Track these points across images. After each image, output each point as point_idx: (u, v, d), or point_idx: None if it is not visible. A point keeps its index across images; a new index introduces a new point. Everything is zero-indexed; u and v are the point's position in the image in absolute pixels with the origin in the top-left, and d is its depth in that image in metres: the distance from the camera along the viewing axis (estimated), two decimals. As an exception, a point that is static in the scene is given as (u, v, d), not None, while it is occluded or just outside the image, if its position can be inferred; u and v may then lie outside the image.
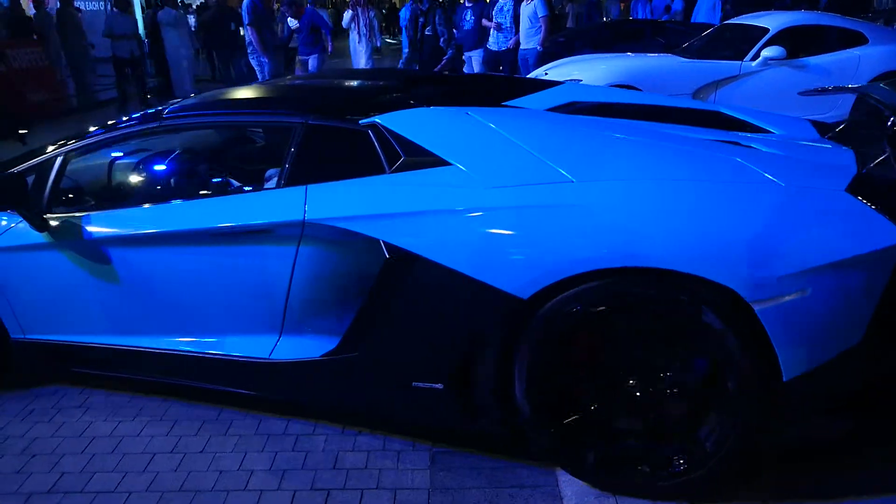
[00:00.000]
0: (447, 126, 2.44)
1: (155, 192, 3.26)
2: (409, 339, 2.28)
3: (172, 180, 3.25)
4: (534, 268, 2.05)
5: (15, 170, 2.90)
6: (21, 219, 2.77)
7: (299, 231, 2.35)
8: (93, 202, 3.01)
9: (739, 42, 7.33)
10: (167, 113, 2.82)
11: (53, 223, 2.74)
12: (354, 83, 3.33)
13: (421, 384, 2.29)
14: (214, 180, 3.11)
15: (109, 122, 3.04)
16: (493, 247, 2.11)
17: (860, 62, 7.06)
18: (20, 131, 6.13)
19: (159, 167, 3.28)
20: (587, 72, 7.06)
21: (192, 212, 2.57)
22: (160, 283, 2.64)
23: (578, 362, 2.14)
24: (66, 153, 2.88)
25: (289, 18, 9.52)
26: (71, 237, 2.71)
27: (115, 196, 3.24)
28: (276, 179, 2.61)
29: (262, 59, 9.26)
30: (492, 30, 8.57)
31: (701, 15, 10.96)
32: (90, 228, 2.68)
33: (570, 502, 2.20)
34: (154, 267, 2.63)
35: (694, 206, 2.03)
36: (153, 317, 2.71)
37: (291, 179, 2.45)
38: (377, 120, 2.42)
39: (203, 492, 2.36)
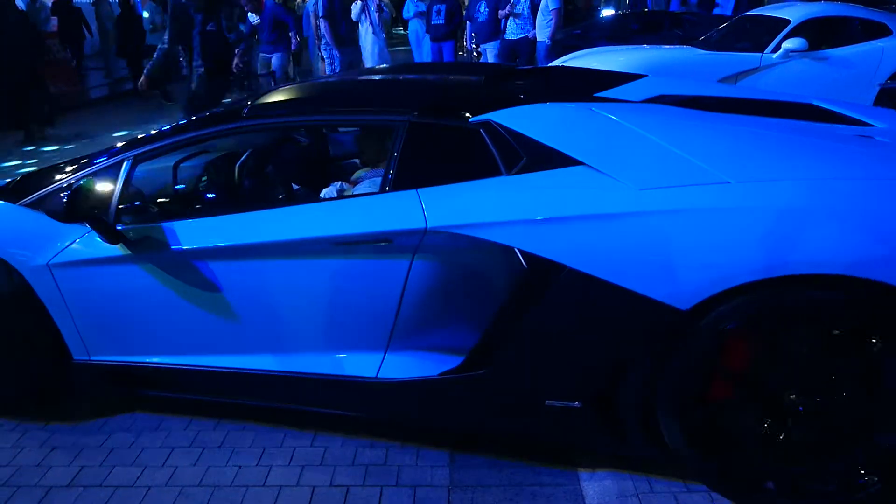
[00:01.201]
0: (573, 123, 2.27)
1: (242, 199, 2.98)
2: (546, 355, 2.11)
3: (256, 185, 2.99)
4: (698, 276, 1.89)
5: (77, 177, 2.65)
6: (86, 231, 2.52)
7: (418, 240, 2.15)
8: (168, 210, 2.80)
9: (760, 33, 7.22)
10: (248, 112, 2.59)
11: (128, 235, 2.47)
12: (439, 78, 3.10)
13: (556, 403, 2.13)
14: (298, 185, 2.89)
15: (180, 123, 2.83)
16: (649, 254, 1.93)
17: (883, 54, 6.93)
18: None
19: (239, 170, 2.99)
20: (605, 65, 6.97)
21: (290, 220, 2.34)
22: (252, 297, 2.41)
23: (744, 376, 1.98)
24: (135, 157, 2.61)
25: (249, 14, 8.96)
26: (148, 249, 2.45)
27: (194, 203, 3.00)
28: (367, 182, 2.46)
29: (333, 53, 8.82)
30: (509, 19, 8.47)
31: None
32: (170, 240, 2.43)
33: (593, 501, 2.17)
34: (246, 280, 2.39)
35: (866, 207, 1.89)
36: (241, 335, 2.47)
37: (399, 183, 2.25)
38: (491, 118, 2.25)
39: (222, 487, 2.35)
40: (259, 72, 9.74)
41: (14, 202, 2.72)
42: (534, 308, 2.06)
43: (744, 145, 2.17)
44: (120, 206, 2.52)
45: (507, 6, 8.34)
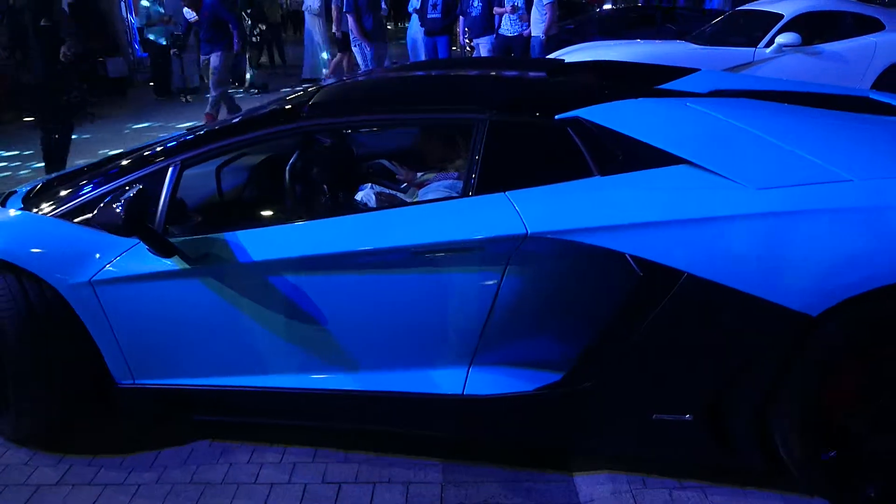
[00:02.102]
0: (672, 119, 2.17)
1: (306, 206, 2.73)
2: (656, 367, 2.00)
3: (307, 190, 2.77)
4: (827, 281, 1.79)
5: (117, 185, 2.41)
6: (133, 244, 2.28)
7: (514, 246, 2.00)
8: (223, 219, 2.55)
9: (753, 28, 7.23)
10: (309, 112, 2.40)
11: (183, 247, 2.23)
12: (502, 73, 2.93)
13: (664, 416, 2.03)
14: (365, 188, 2.71)
15: (228, 124, 2.64)
16: (773, 258, 1.84)
17: (876, 48, 6.95)
18: None
19: (290, 175, 2.70)
20: (599, 59, 6.96)
21: (367, 228, 2.17)
22: (324, 311, 2.22)
23: (871, 385, 1.90)
24: (183, 161, 2.38)
25: (185, 9, 8.61)
26: (207, 262, 2.23)
27: (251, 212, 2.77)
28: (439, 186, 2.36)
29: (362, 47, 8.63)
30: (505, 14, 8.43)
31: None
32: (233, 252, 2.21)
33: (587, 497, 2.16)
34: (318, 293, 2.20)
35: None
36: (310, 351, 2.29)
37: (485, 186, 2.11)
38: (580, 114, 2.14)
39: (212, 485, 2.33)
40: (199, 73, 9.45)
41: (46, 214, 2.47)
42: (647, 316, 1.94)
43: (848, 141, 2.09)
44: (169, 216, 2.33)
45: (508, 4, 8.29)
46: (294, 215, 2.61)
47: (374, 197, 2.68)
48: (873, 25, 7.07)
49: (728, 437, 2.03)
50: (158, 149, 2.56)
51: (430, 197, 2.48)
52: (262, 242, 2.21)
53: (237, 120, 2.66)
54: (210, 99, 8.23)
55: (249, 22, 11.33)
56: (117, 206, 2.07)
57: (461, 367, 2.18)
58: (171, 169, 2.37)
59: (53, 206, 2.48)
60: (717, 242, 1.87)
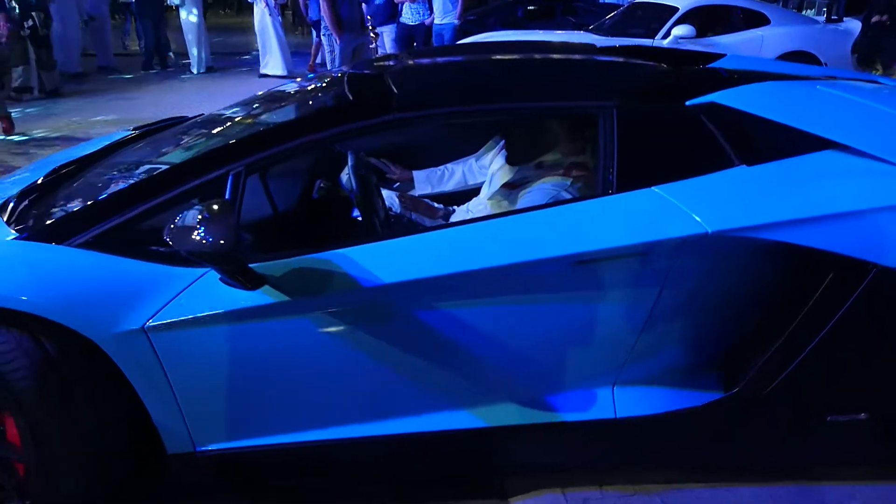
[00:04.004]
0: (811, 101, 2.07)
1: (408, 215, 2.36)
2: (838, 365, 1.86)
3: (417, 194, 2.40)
4: None
5: (160, 202, 1.85)
6: (196, 278, 1.76)
7: (687, 247, 1.78)
8: (305, 237, 2.10)
9: (650, 20, 7.43)
10: (399, 104, 2.00)
11: (271, 275, 1.75)
12: (596, 59, 2.61)
13: (839, 417, 1.91)
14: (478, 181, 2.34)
15: (296, 119, 2.24)
16: None
17: (763, 42, 7.30)
18: None
19: (353, 178, 2.18)
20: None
21: (513, 238, 1.82)
22: (464, 339, 1.86)
23: None
24: (248, 166, 1.87)
25: None
26: (306, 292, 1.76)
27: (341, 226, 2.30)
28: (545, 186, 2.12)
29: (332, 40, 7.60)
30: (406, 3, 8.30)
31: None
32: (343, 276, 1.76)
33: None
34: (456, 319, 1.84)
35: None
36: (443, 388, 1.91)
37: (627, 182, 1.87)
38: (715, 100, 1.98)
39: None
40: None
41: (58, 242, 1.80)
42: (832, 314, 1.81)
43: None
44: (241, 236, 1.84)
45: None
46: (400, 228, 2.21)
47: (396, 201, 2.45)
48: (760, 20, 7.43)
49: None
50: (198, 152, 2.07)
51: (536, 196, 2.14)
52: (382, 261, 1.79)
53: (300, 115, 2.26)
54: None
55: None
56: (198, 231, 1.54)
57: (606, 387, 1.94)
58: (230, 176, 1.85)
59: (65, 233, 1.83)
60: None
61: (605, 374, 1.93)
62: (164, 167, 2.04)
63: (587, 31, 7.81)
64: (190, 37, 11.31)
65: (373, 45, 8.92)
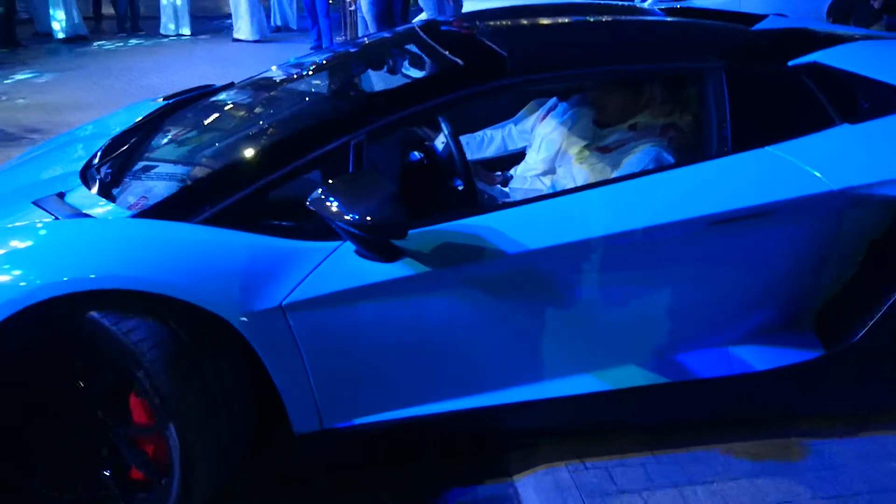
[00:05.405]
0: None
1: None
2: None
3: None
4: None
5: (282, 174, 1.79)
6: (329, 252, 1.72)
7: (815, 206, 1.87)
8: (430, 205, 2.02)
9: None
10: (515, 66, 1.96)
11: (411, 247, 1.73)
12: (673, 20, 2.67)
13: None
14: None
15: (408, 84, 2.18)
16: None
17: (740, 5, 7.34)
18: None
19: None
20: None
21: (653, 198, 1.87)
22: (612, 299, 1.91)
23: None
24: (369, 134, 1.84)
25: None
26: (449, 262, 1.76)
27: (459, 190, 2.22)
28: (645, 148, 2.16)
29: None
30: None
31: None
32: (487, 243, 1.76)
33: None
34: (599, 280, 1.87)
35: None
36: (584, 350, 1.95)
37: (741, 142, 1.94)
38: (817, 59, 2.06)
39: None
40: None
41: (183, 219, 1.74)
42: None
43: None
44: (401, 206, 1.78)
45: None
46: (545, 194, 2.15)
47: None
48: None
49: None
50: (305, 121, 2.05)
51: (640, 158, 2.18)
52: (519, 229, 1.80)
53: (413, 81, 2.22)
54: None
55: None
56: (354, 202, 1.57)
57: (729, 344, 2.01)
58: (352, 144, 1.81)
59: (188, 209, 1.76)
60: None
61: (728, 331, 1.99)
62: (270, 138, 2.07)
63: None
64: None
65: (352, 7, 8.85)
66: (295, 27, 12.05)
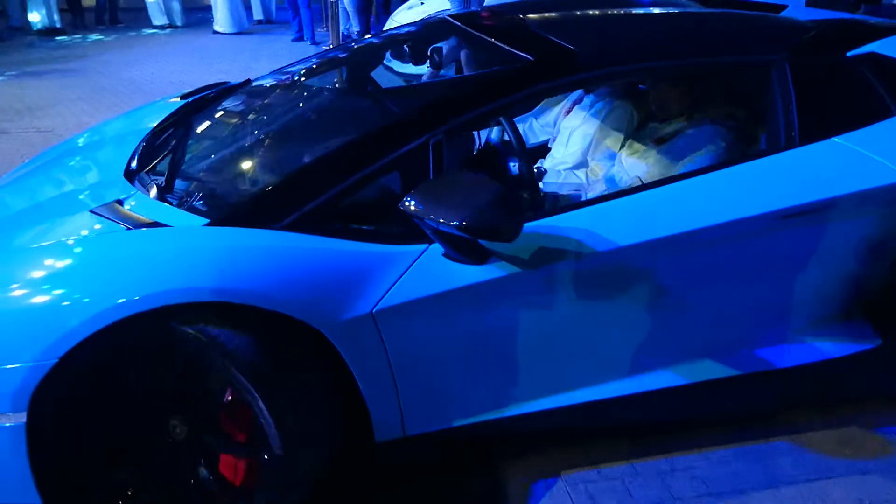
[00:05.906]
0: None
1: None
2: None
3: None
4: None
5: (363, 175, 1.74)
6: (416, 256, 1.67)
7: (887, 195, 1.89)
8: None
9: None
10: (587, 60, 1.96)
11: (500, 248, 1.70)
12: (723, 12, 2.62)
13: None
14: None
15: (486, 76, 2.14)
16: None
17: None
18: None
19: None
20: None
21: (728, 194, 1.86)
22: (690, 294, 1.90)
23: None
24: (447, 132, 1.79)
25: None
26: (540, 262, 1.72)
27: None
28: (703, 137, 2.14)
29: None
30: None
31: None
32: (575, 241, 1.73)
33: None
34: (681, 276, 1.86)
35: None
36: (673, 345, 1.95)
37: (808, 134, 1.95)
38: (874, 49, 2.10)
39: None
40: None
41: (265, 226, 1.67)
42: None
43: None
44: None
45: None
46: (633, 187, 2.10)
47: None
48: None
49: None
50: (412, 121, 1.93)
51: (690, 151, 2.19)
52: (606, 224, 1.77)
53: (488, 76, 2.16)
54: None
55: None
56: (358, 206, 1.56)
57: (801, 335, 2.03)
58: (431, 143, 1.77)
59: (268, 215, 1.70)
60: None
61: (796, 321, 2.02)
62: (347, 138, 1.93)
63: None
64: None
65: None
66: (275, 19, 11.99)
